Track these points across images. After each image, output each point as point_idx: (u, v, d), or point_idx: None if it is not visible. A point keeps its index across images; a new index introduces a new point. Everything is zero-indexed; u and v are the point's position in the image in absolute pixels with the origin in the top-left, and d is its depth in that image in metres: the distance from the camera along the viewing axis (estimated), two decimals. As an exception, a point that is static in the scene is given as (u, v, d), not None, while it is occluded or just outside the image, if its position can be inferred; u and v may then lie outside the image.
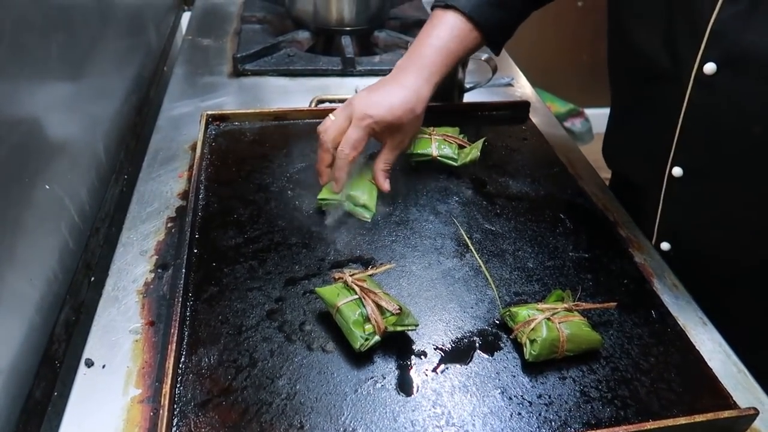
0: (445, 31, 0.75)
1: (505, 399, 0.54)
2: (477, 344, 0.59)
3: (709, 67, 0.61)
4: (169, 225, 0.73)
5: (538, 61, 2.02)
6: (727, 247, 0.71)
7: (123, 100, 0.97)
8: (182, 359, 0.56)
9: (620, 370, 0.57)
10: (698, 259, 0.72)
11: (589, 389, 0.55)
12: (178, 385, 0.53)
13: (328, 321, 0.60)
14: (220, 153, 0.84)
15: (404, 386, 0.55)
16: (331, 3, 1.19)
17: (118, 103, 0.95)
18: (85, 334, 0.60)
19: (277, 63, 1.13)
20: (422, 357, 0.57)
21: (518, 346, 0.58)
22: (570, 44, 2.55)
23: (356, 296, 0.57)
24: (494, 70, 0.95)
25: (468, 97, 1.02)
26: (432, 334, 0.60)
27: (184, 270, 0.62)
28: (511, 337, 0.59)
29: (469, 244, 0.70)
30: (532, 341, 0.56)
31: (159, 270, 0.67)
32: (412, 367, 0.56)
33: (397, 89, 0.72)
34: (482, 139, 0.84)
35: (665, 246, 0.74)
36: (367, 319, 0.56)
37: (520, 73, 1.18)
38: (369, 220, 0.73)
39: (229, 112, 0.91)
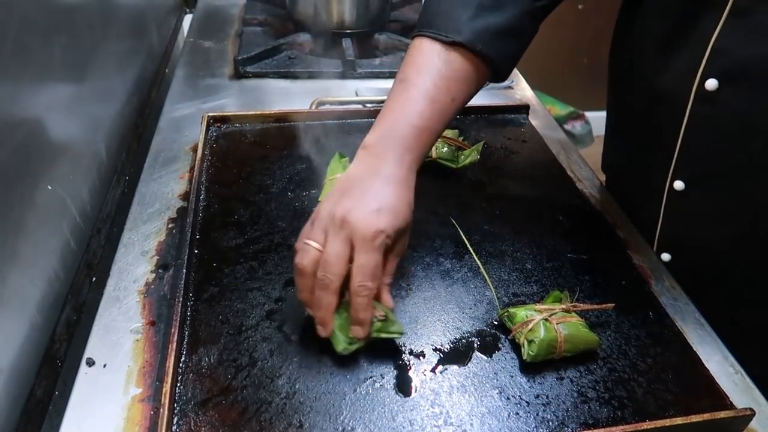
0: (432, 102, 0.59)
1: (503, 399, 0.54)
2: (475, 345, 0.59)
3: (711, 83, 0.61)
4: (170, 226, 0.74)
5: (538, 64, 2.02)
6: (728, 258, 0.71)
7: (124, 102, 0.98)
8: (182, 359, 0.56)
9: (617, 370, 0.58)
10: (699, 269, 0.72)
11: (586, 389, 0.56)
12: (178, 384, 0.54)
13: (328, 321, 0.60)
14: (221, 154, 0.85)
15: (403, 386, 0.55)
16: (332, 6, 1.20)
17: (120, 105, 0.95)
18: (86, 334, 0.60)
19: (277, 65, 1.13)
20: (421, 357, 0.58)
21: (516, 347, 0.59)
22: (570, 47, 2.56)
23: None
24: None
25: (468, 100, 1.02)
26: (430, 335, 0.60)
27: (184, 270, 0.63)
28: (509, 337, 0.60)
29: (468, 245, 0.70)
30: (530, 342, 0.57)
31: (160, 270, 0.67)
32: (410, 368, 0.57)
33: (387, 187, 0.56)
34: (481, 142, 0.85)
35: (666, 257, 0.74)
36: None
37: (520, 76, 1.18)
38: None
39: (230, 113, 0.92)
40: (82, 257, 0.74)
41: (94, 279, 0.75)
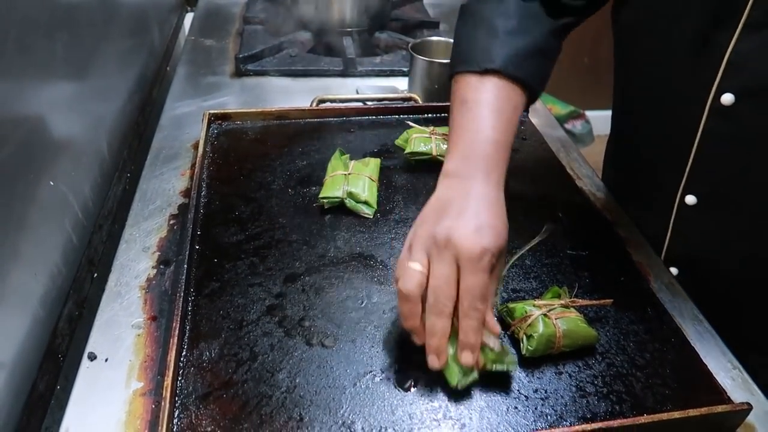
0: (498, 113, 0.60)
1: (502, 393, 0.55)
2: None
3: (727, 98, 0.60)
4: (172, 222, 0.74)
5: (538, 63, 2.02)
6: (737, 273, 0.70)
7: (126, 100, 0.98)
8: (183, 353, 0.56)
9: (616, 365, 0.58)
10: (707, 285, 0.71)
11: (584, 384, 0.56)
12: (179, 378, 0.54)
13: (328, 316, 0.61)
14: (222, 151, 0.85)
15: (402, 380, 0.55)
16: (333, 4, 1.20)
17: (122, 103, 0.96)
18: (88, 329, 0.61)
19: (278, 63, 1.14)
20: (420, 352, 0.58)
21: (515, 342, 0.59)
22: (571, 46, 2.53)
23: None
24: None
25: (468, 98, 1.02)
26: (430, 330, 0.60)
27: (185, 266, 0.63)
28: (508, 332, 0.60)
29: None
30: (528, 337, 0.57)
31: (161, 266, 0.68)
32: (410, 362, 0.57)
33: (483, 207, 0.54)
34: (481, 139, 0.85)
35: (674, 271, 0.73)
36: None
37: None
38: (371, 216, 0.74)
39: (231, 111, 0.92)
40: (83, 253, 0.74)
41: (95, 275, 0.75)
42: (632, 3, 0.70)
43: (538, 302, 0.60)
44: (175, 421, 0.51)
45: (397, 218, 0.75)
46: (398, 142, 0.87)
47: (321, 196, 0.75)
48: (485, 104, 0.60)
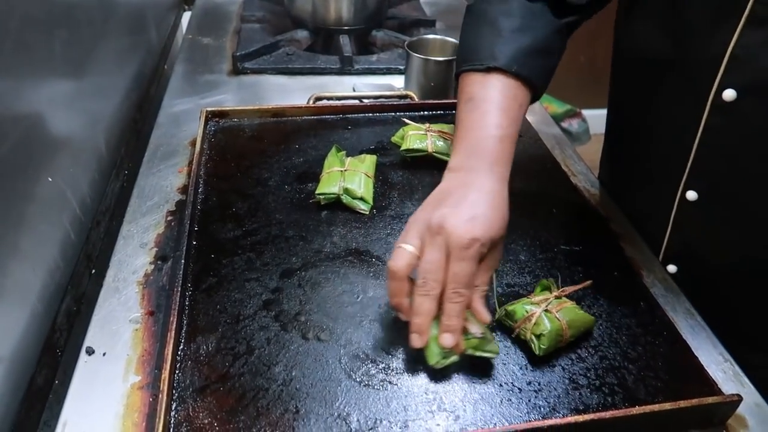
0: (503, 111, 0.62)
1: (496, 385, 0.55)
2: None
3: (729, 94, 0.60)
4: (169, 219, 0.75)
5: (535, 62, 2.03)
6: (738, 270, 0.70)
7: (124, 97, 0.98)
8: (181, 346, 0.57)
9: (608, 358, 0.59)
10: (706, 281, 0.71)
11: (577, 377, 0.57)
12: (176, 372, 0.55)
13: (324, 311, 0.61)
14: (219, 149, 0.86)
15: (397, 373, 0.56)
16: (330, 3, 1.21)
17: (119, 100, 0.96)
18: (86, 324, 0.61)
19: (276, 61, 1.14)
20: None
21: (522, 343, 0.59)
22: (567, 46, 2.56)
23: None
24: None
25: (464, 95, 1.03)
26: (425, 324, 0.61)
27: (183, 261, 0.64)
28: (513, 335, 0.59)
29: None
30: (538, 336, 0.57)
31: (159, 262, 0.68)
32: (405, 355, 0.58)
33: (482, 198, 0.57)
34: (477, 136, 0.85)
35: (672, 268, 0.73)
36: None
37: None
38: (367, 212, 0.75)
39: (228, 108, 0.93)
40: (81, 249, 0.75)
41: (93, 270, 0.76)
42: (641, 2, 0.70)
43: (534, 299, 0.60)
44: (173, 413, 0.51)
45: (392, 214, 0.76)
46: (394, 139, 0.87)
47: (317, 192, 0.75)
48: (491, 102, 0.62)
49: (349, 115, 0.95)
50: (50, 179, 0.68)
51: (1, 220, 0.57)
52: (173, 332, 0.56)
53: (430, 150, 0.83)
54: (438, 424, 0.52)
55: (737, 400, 0.53)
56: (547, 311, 0.58)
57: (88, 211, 0.79)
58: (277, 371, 0.55)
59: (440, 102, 0.97)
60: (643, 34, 0.71)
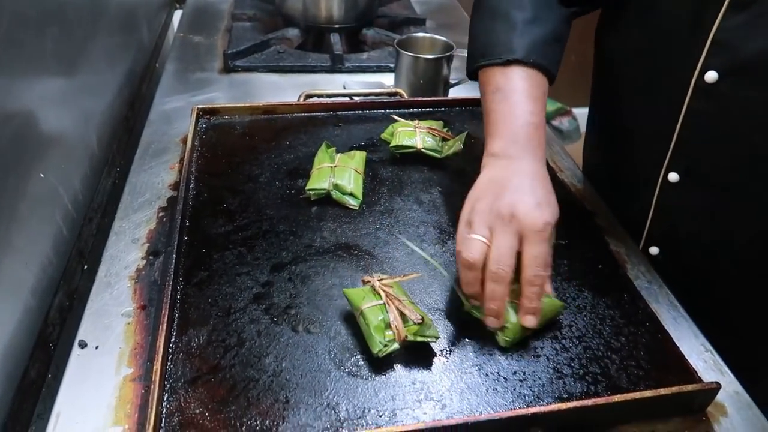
0: (533, 99, 0.65)
1: (482, 375, 0.57)
2: (456, 325, 0.61)
3: (711, 76, 0.61)
4: (161, 215, 0.75)
5: (525, 60, 2.04)
6: (718, 251, 0.71)
7: (115, 95, 0.99)
8: (172, 339, 0.58)
9: (592, 348, 0.60)
10: (687, 263, 0.73)
11: (561, 366, 0.58)
12: (168, 363, 0.55)
13: (313, 304, 0.62)
14: (210, 146, 0.86)
15: (385, 364, 0.57)
16: (321, 1, 1.22)
17: (111, 98, 0.97)
18: (78, 319, 0.62)
19: (266, 60, 1.15)
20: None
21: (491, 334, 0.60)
22: (558, 44, 2.58)
23: (381, 301, 0.57)
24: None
25: (453, 93, 1.05)
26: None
27: (174, 256, 0.64)
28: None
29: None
30: (502, 328, 0.58)
31: (150, 257, 0.69)
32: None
33: (537, 184, 0.60)
34: (465, 132, 0.87)
35: (654, 250, 0.75)
36: (388, 325, 0.56)
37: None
38: (356, 208, 0.76)
39: (219, 105, 0.93)
40: (74, 244, 0.75)
41: (86, 266, 0.77)
42: None
43: None
44: (165, 404, 0.52)
45: (381, 209, 0.77)
46: (384, 135, 0.89)
47: (308, 187, 0.76)
48: (520, 92, 0.65)
49: (340, 113, 0.96)
50: (42, 176, 0.69)
51: (-7, 215, 0.58)
52: (165, 325, 0.57)
53: (419, 147, 0.84)
54: (425, 413, 0.53)
55: (716, 387, 0.55)
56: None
57: (80, 208, 0.79)
58: (267, 363, 0.56)
59: (429, 99, 0.98)
60: (624, 20, 0.72)
